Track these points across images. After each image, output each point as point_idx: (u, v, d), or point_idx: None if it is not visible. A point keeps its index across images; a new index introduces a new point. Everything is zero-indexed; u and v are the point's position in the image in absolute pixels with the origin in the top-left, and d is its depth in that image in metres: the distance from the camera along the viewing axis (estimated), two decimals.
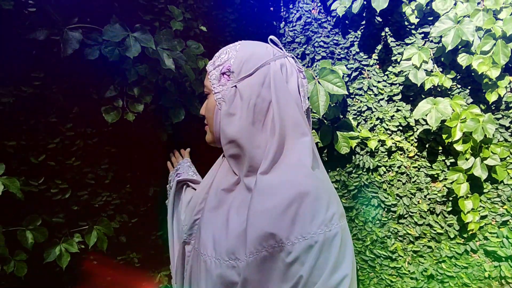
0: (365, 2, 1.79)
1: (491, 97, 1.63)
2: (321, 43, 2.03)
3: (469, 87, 1.73)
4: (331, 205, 0.81)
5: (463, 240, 1.78)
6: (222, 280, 0.83)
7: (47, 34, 1.14)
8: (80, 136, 1.36)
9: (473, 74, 1.68)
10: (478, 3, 1.65)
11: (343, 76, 1.80)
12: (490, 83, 1.63)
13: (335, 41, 2.00)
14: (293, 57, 0.92)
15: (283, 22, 2.17)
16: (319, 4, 2.05)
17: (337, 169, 2.02)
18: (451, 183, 1.70)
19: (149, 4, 1.48)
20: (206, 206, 0.93)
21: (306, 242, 0.75)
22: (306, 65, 2.08)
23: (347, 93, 1.78)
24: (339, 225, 0.80)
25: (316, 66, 2.00)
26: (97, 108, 1.32)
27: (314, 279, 0.75)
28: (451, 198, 1.79)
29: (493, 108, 1.70)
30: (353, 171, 1.98)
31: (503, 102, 1.67)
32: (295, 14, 2.11)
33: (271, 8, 2.21)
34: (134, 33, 1.29)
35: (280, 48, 0.91)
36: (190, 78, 1.51)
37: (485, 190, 1.72)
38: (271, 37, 0.91)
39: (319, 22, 2.04)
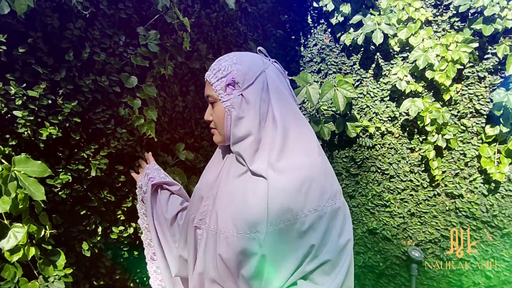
0: (364, 37, 2.72)
1: (446, 97, 2.62)
2: (332, 62, 2.96)
3: (432, 91, 2.72)
4: (334, 183, 0.99)
5: (432, 188, 2.78)
6: (244, 252, 0.95)
7: None
8: None
9: (434, 83, 2.66)
10: (437, 39, 2.64)
11: None
12: (445, 88, 2.62)
13: (342, 61, 2.93)
14: (276, 62, 1.09)
15: (302, 47, 3.07)
16: (329, 35, 2.97)
17: (347, 148, 2.95)
18: (424, 151, 2.69)
19: None
20: (219, 192, 1.06)
21: (318, 213, 0.91)
22: (321, 77, 3.00)
23: (356, 96, 2.72)
24: (340, 200, 0.98)
25: (333, 79, 2.92)
26: None
27: (324, 243, 0.92)
28: (423, 162, 2.78)
29: (447, 104, 2.70)
30: (358, 149, 2.93)
31: (453, 100, 2.68)
32: (312, 41, 3.02)
33: (293, 37, 3.10)
34: None
35: (266, 56, 1.08)
36: None
37: (444, 155, 2.72)
38: (260, 48, 1.09)
39: (330, 47, 2.96)
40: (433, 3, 2.65)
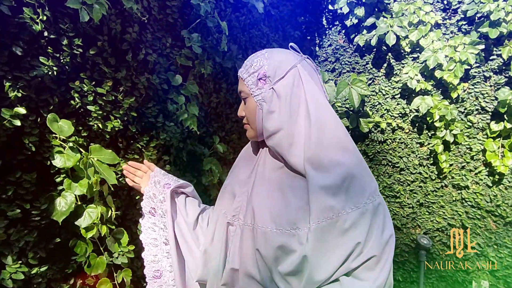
0: (377, 39, 2.90)
1: (454, 95, 2.81)
2: (346, 62, 3.13)
3: (440, 89, 2.90)
4: (372, 179, 0.98)
5: (439, 180, 2.97)
6: (283, 247, 0.94)
7: None
8: None
9: (443, 82, 2.85)
10: (446, 40, 2.83)
11: None
12: (453, 87, 2.81)
13: (355, 61, 3.11)
14: (309, 58, 1.08)
15: (318, 47, 3.24)
16: (343, 36, 3.14)
17: (359, 142, 3.14)
18: (432, 146, 2.88)
19: None
20: (255, 188, 1.05)
21: (360, 210, 0.91)
22: (335, 76, 3.18)
23: (369, 93, 2.90)
24: (379, 196, 0.97)
25: (347, 77, 3.10)
26: None
27: (369, 239, 0.91)
28: (432, 156, 2.97)
29: (455, 101, 2.89)
30: (370, 143, 3.11)
31: (460, 98, 2.87)
32: (327, 42, 3.19)
33: (308, 37, 3.28)
34: None
35: (298, 52, 1.06)
36: None
37: (451, 149, 2.91)
38: (291, 44, 1.07)
39: (344, 48, 3.14)
40: (442, 7, 2.83)
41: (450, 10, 2.83)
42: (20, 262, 1.26)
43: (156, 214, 1.24)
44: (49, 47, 1.30)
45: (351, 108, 3.00)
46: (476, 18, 2.74)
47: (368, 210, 0.92)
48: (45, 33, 1.27)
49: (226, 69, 2.24)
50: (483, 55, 2.73)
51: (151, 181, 1.27)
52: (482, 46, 2.67)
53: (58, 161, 1.28)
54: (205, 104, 2.11)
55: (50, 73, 1.28)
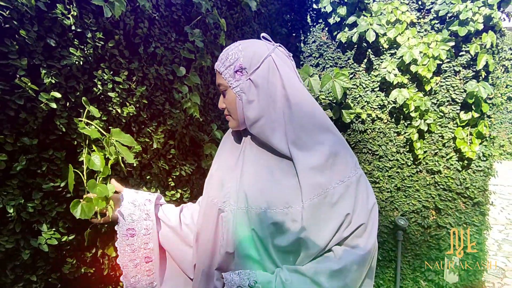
0: (358, 36, 3.14)
1: (427, 88, 3.07)
2: (329, 57, 3.37)
3: (415, 83, 3.16)
4: (352, 155, 1.06)
5: (415, 165, 3.23)
6: (278, 226, 0.99)
7: None
8: None
9: (418, 75, 3.10)
10: (420, 38, 3.09)
11: None
12: (426, 80, 3.07)
13: (338, 56, 3.34)
14: (281, 46, 1.11)
15: (303, 44, 3.46)
16: (326, 33, 3.37)
17: (342, 132, 3.37)
18: (408, 134, 3.14)
19: None
20: (244, 173, 1.08)
21: (345, 184, 0.98)
22: (319, 71, 3.41)
23: (351, 86, 3.14)
24: (360, 168, 1.04)
25: (331, 72, 3.33)
26: None
27: (355, 209, 0.99)
28: (408, 144, 3.23)
29: (428, 93, 3.16)
30: (352, 133, 3.36)
31: (433, 90, 3.13)
32: (311, 38, 3.42)
33: (294, 34, 3.49)
34: None
35: (270, 41, 1.10)
36: None
37: (426, 137, 3.18)
38: (263, 34, 1.11)
39: (327, 44, 3.37)
40: (417, 8, 3.10)
41: (424, 10, 3.09)
42: (54, 230, 1.43)
43: (137, 233, 1.19)
44: (75, 40, 1.46)
45: (334, 100, 3.23)
46: (447, 17, 3.01)
47: (352, 182, 0.99)
48: (73, 27, 1.44)
49: None
50: (453, 51, 3.00)
51: (125, 202, 1.24)
52: (452, 43, 2.94)
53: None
54: (204, 95, 2.29)
55: (77, 62, 1.45)
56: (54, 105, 1.33)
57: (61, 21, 1.37)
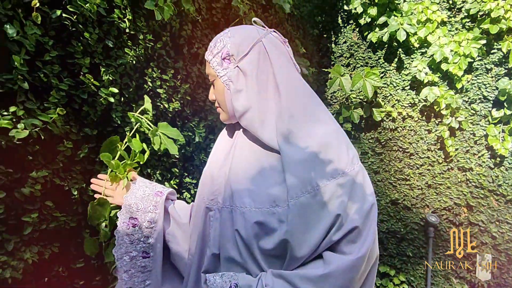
0: (389, 35, 3.20)
1: (459, 86, 3.10)
2: (360, 57, 3.44)
3: (446, 81, 3.20)
4: (350, 148, 0.94)
5: (446, 163, 3.26)
6: (263, 227, 0.90)
7: None
8: None
9: (449, 74, 3.14)
10: (451, 36, 3.13)
11: None
12: (457, 78, 3.10)
13: (368, 56, 3.42)
14: (275, 32, 1.02)
15: (334, 44, 3.55)
16: (357, 34, 3.45)
17: (372, 130, 3.44)
18: (439, 132, 3.18)
19: None
20: (233, 169, 1.00)
21: (337, 181, 0.87)
22: (350, 70, 3.49)
23: (381, 85, 3.20)
24: (358, 164, 0.93)
25: (361, 71, 3.41)
26: None
27: (349, 210, 0.88)
28: (439, 141, 3.26)
29: (459, 91, 3.18)
30: (382, 131, 3.42)
31: (464, 88, 3.16)
32: (342, 39, 3.50)
33: (325, 35, 3.59)
34: None
35: (263, 27, 1.02)
36: None
37: (457, 135, 3.21)
38: (254, 19, 1.02)
39: (358, 44, 3.45)
40: (447, 7, 3.14)
41: (455, 9, 3.13)
42: None
43: (139, 224, 1.12)
44: (129, 41, 1.62)
45: (365, 99, 3.31)
46: (478, 15, 3.03)
47: (347, 180, 0.89)
48: (127, 30, 1.60)
49: None
50: (485, 49, 3.02)
51: (135, 189, 1.16)
52: (484, 41, 2.96)
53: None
54: None
55: (130, 61, 1.61)
56: (111, 100, 1.49)
57: (118, 24, 1.53)
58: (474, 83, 3.11)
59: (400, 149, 3.39)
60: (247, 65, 0.95)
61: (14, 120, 1.11)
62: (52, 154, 1.28)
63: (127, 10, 1.56)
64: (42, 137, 1.19)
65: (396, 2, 3.19)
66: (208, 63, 1.02)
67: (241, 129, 1.07)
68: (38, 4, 1.14)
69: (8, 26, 1.08)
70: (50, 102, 1.23)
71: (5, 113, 1.10)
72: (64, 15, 1.25)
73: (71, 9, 1.28)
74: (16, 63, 1.09)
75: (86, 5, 1.31)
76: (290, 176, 0.88)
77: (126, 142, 1.28)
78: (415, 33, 3.14)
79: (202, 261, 1.03)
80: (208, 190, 1.05)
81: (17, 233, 1.17)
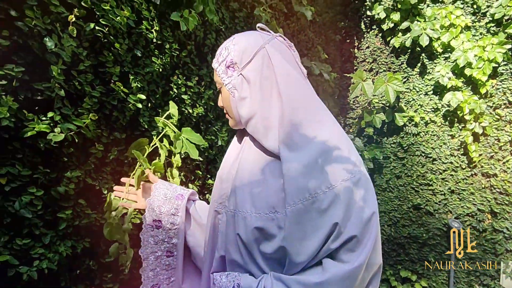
0: (411, 40, 3.22)
1: (483, 91, 3.08)
2: (383, 62, 3.46)
3: (470, 86, 3.18)
4: (351, 155, 0.92)
5: (469, 168, 3.24)
6: (262, 232, 0.92)
7: None
8: None
9: (472, 79, 3.12)
10: (475, 41, 3.11)
11: None
12: (481, 83, 3.08)
13: (391, 61, 3.43)
14: (281, 36, 1.02)
15: (356, 49, 3.59)
16: (380, 39, 3.47)
17: (395, 135, 3.45)
18: (463, 137, 3.16)
19: None
20: (239, 173, 1.02)
21: (337, 188, 0.86)
22: (373, 75, 3.51)
23: (404, 90, 3.21)
24: (360, 171, 0.90)
25: (384, 76, 3.43)
26: None
27: (347, 219, 0.87)
28: (462, 146, 3.24)
29: (484, 96, 3.16)
30: (405, 136, 3.42)
31: (489, 93, 3.13)
32: (365, 44, 3.53)
33: (348, 40, 3.62)
34: None
35: (268, 32, 1.01)
36: None
37: (481, 140, 3.18)
38: (259, 24, 1.02)
39: (381, 49, 3.47)
40: (472, 11, 3.12)
41: (479, 14, 3.11)
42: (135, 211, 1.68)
43: (162, 226, 1.17)
44: (156, 50, 1.72)
45: (387, 104, 3.32)
46: (504, 20, 3.01)
47: (346, 187, 0.87)
48: (154, 40, 1.70)
49: None
50: (510, 53, 2.99)
51: (156, 192, 1.20)
52: (509, 46, 2.94)
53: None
54: None
55: (157, 69, 1.71)
56: (139, 105, 1.59)
57: (146, 35, 1.63)
58: (499, 88, 3.08)
59: (423, 154, 3.38)
60: (250, 72, 0.95)
61: (52, 124, 1.22)
62: (85, 156, 1.38)
63: (154, 22, 1.66)
64: (76, 140, 1.29)
65: (419, 7, 3.20)
66: (215, 71, 1.03)
67: (249, 135, 1.07)
68: (74, 19, 1.24)
69: (47, 39, 1.19)
70: (83, 108, 1.33)
71: (44, 118, 1.21)
72: (97, 27, 1.35)
73: (103, 22, 1.38)
74: (54, 73, 1.20)
75: (117, 18, 1.41)
76: (289, 183, 0.88)
77: (153, 145, 1.38)
78: (438, 38, 3.14)
79: (212, 263, 1.07)
80: (218, 193, 1.08)
81: (53, 228, 1.28)
